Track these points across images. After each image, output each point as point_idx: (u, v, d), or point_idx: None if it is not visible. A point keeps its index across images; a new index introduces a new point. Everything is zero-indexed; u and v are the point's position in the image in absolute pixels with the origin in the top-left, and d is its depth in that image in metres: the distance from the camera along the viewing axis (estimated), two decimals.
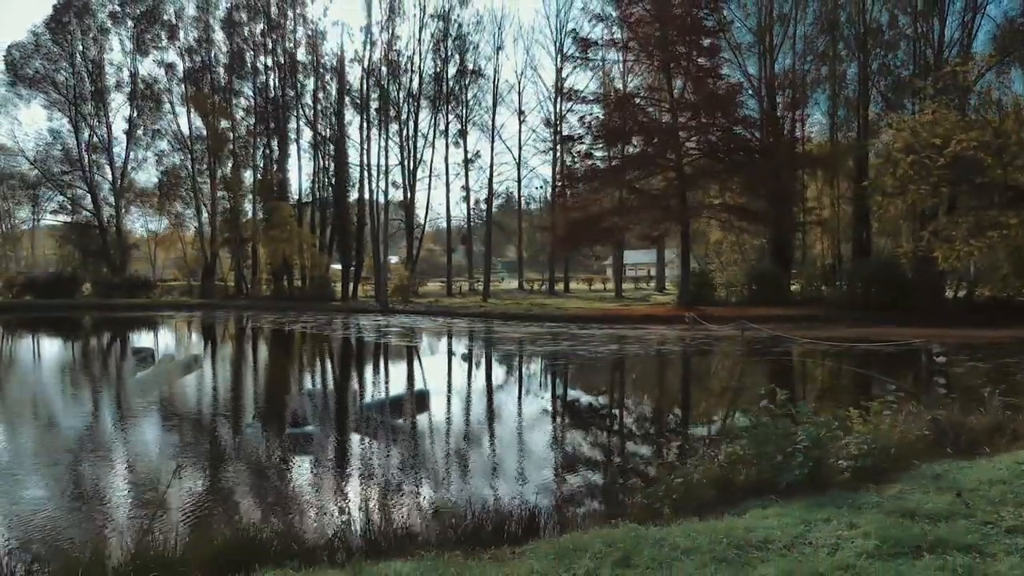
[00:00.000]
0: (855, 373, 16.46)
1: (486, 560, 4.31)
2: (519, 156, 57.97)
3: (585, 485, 7.37)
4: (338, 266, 56.35)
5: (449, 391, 15.64)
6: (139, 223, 62.49)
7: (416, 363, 20.76)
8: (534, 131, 74.05)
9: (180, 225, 58.81)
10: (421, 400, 12.83)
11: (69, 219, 55.83)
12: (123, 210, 56.51)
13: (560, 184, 39.17)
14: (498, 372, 19.42)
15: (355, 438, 10.44)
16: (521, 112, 57.75)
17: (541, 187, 68.70)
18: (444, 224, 66.35)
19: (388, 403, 11.90)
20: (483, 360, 21.23)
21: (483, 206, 63.35)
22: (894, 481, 5.69)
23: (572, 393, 16.21)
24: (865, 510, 4.95)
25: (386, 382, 16.77)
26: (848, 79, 38.56)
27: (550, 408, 14.13)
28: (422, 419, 11.74)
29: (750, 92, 38.06)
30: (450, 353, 23.68)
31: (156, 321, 37.90)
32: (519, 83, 71.38)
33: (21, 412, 12.77)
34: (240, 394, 15.19)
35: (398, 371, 18.96)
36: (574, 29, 42.74)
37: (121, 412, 12.49)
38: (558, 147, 53.81)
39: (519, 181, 61.43)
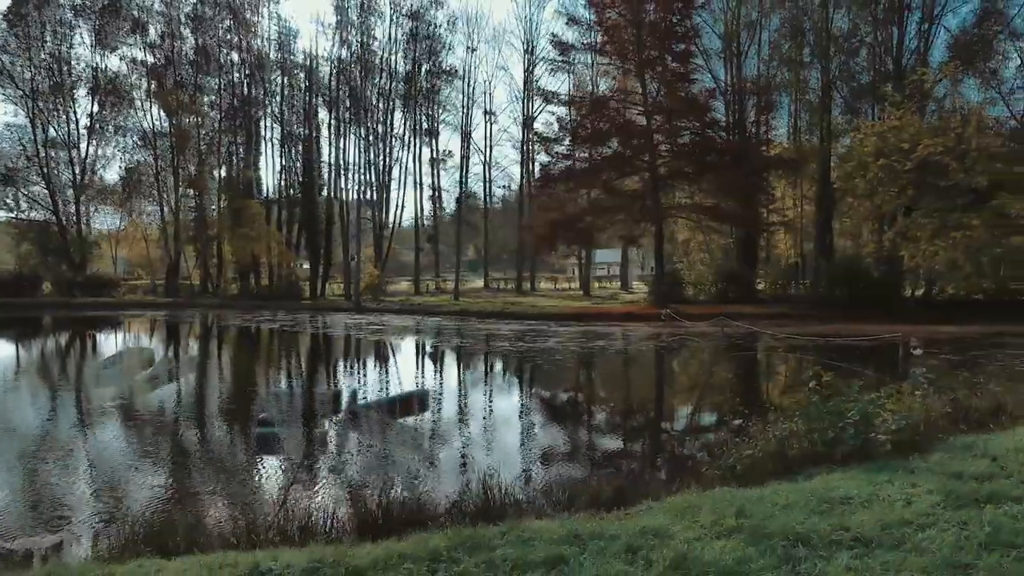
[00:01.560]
0: (841, 365, 17.49)
1: (611, 518, 4.91)
2: (488, 156, 58.67)
3: (649, 462, 8.00)
4: (306, 264, 56.21)
5: (498, 386, 16.62)
6: (101, 221, 61.22)
7: (440, 362, 20.90)
8: (505, 131, 74.68)
9: (144, 223, 57.79)
10: (492, 395, 13.71)
11: (24, 216, 54.40)
12: (84, 208, 55.40)
13: (537, 183, 39.80)
14: (525, 368, 19.58)
15: (465, 433, 11.01)
16: (492, 113, 58.52)
17: (506, 186, 69.22)
18: (410, 223, 66.86)
19: (465, 397, 12.53)
20: (504, 357, 21.40)
21: (453, 205, 64.01)
22: (931, 451, 6.43)
23: (604, 385, 17.34)
24: (918, 473, 5.67)
25: (439, 381, 17.05)
26: (812, 84, 40.15)
27: (589, 398, 15.30)
28: (507, 412, 12.82)
29: (719, 96, 39.36)
30: (459, 351, 23.68)
31: (124, 321, 37.45)
32: (489, 84, 71.64)
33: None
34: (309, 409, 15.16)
35: (432, 370, 19.18)
36: (553, 33, 43.52)
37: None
38: (528, 147, 54.83)
39: (486, 181, 62.13)
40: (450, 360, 20.98)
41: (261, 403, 10.78)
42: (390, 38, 55.42)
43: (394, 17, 54.98)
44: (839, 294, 31.55)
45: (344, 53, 54.26)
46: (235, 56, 55.14)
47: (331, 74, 54.81)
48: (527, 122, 54.64)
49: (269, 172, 57.47)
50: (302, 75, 55.11)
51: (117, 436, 10.43)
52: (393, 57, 55.89)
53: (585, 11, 43.92)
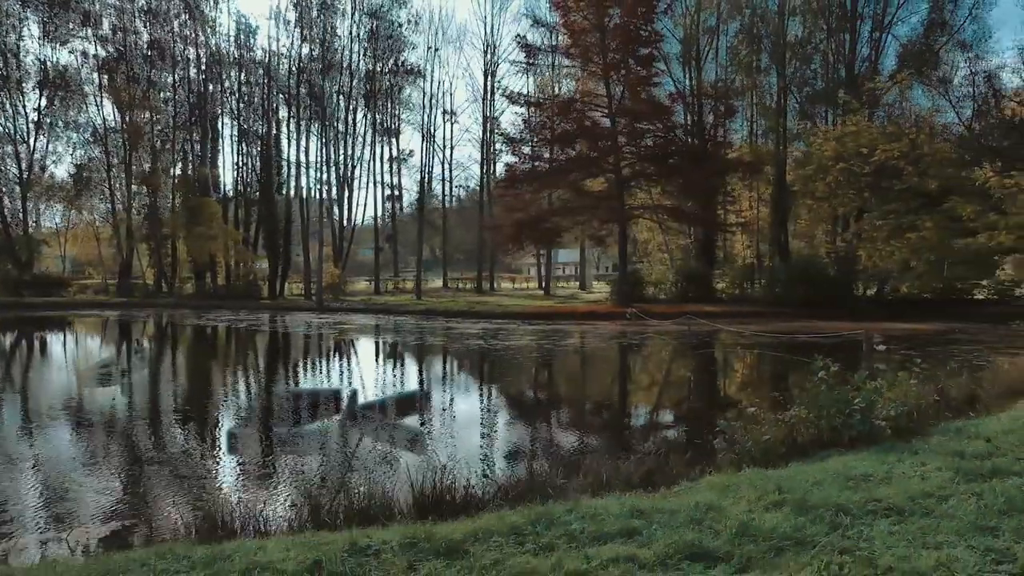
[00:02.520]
0: (807, 360, 18.26)
1: (659, 496, 5.29)
2: (449, 156, 58.84)
3: (665, 448, 8.38)
4: (264, 264, 55.49)
5: (499, 383, 17.02)
6: (50, 219, 59.53)
7: (440, 361, 20.84)
8: (467, 131, 74.98)
9: (96, 221, 56.32)
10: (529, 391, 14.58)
11: None
12: (32, 205, 53.81)
13: (502, 183, 40.17)
14: (516, 366, 19.65)
15: (485, 427, 11.39)
16: (452, 112, 58.68)
17: (464, 186, 69.60)
18: (369, 222, 66.55)
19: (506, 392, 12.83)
20: (490, 356, 21.46)
21: (413, 204, 64.03)
22: (928, 434, 7.00)
23: (599, 380, 17.94)
24: (922, 454, 6.19)
25: (443, 380, 17.27)
26: (768, 89, 41.42)
27: (588, 392, 15.96)
28: (516, 406, 13.40)
29: (679, 100, 40.28)
30: (446, 351, 23.41)
31: (83, 321, 36.60)
32: (451, 84, 71.76)
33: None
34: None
35: (432, 369, 19.19)
36: (519, 35, 43.94)
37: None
38: (488, 147, 55.19)
39: (445, 180, 62.31)
40: (448, 360, 20.99)
41: (314, 400, 11.00)
42: (351, 36, 55.22)
43: (355, 15, 54.81)
44: (797, 293, 32.55)
45: (305, 50, 53.83)
46: (191, 51, 54.27)
47: (291, 71, 54.26)
48: (488, 122, 55.03)
49: (226, 170, 56.62)
50: (261, 72, 54.41)
51: (180, 432, 10.46)
52: (355, 56, 55.72)
53: (548, 14, 44.67)
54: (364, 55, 56.00)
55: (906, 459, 6.01)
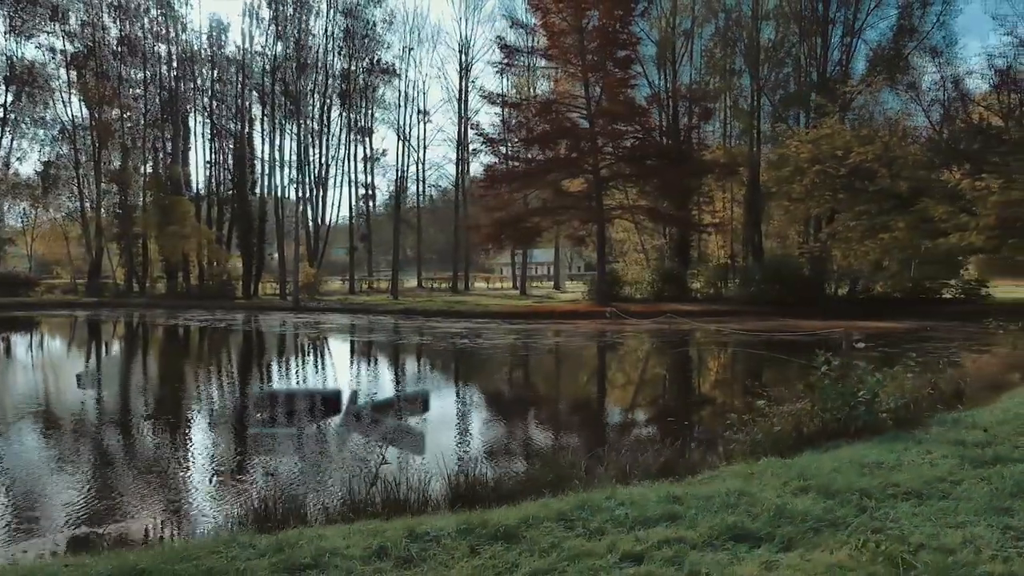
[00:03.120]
0: (789, 359, 18.73)
1: (686, 484, 5.53)
2: (423, 155, 58.84)
3: (674, 439, 8.65)
4: (238, 263, 54.95)
5: (503, 380, 17.30)
6: (16, 217, 58.37)
7: (434, 362, 20.72)
8: (441, 131, 74.93)
9: (64, 220, 55.32)
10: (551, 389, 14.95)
11: None
12: None
13: (481, 183, 40.34)
14: (512, 364, 19.95)
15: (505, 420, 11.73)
16: (425, 112, 58.62)
17: (438, 186, 69.55)
18: (343, 221, 66.31)
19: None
20: (485, 355, 21.58)
21: (387, 203, 63.88)
22: (926, 425, 7.35)
23: (594, 377, 18.25)
24: (926, 443, 6.52)
25: (446, 379, 17.39)
26: (742, 92, 42.13)
27: (589, 389, 16.48)
28: (528, 401, 13.78)
29: (654, 101, 40.77)
30: (436, 351, 23.13)
31: (59, 322, 36.03)
32: (424, 84, 71.76)
33: None
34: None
35: (433, 369, 19.31)
36: (499, 36, 44.10)
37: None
38: (463, 147, 55.33)
39: (419, 181, 62.25)
40: (441, 360, 21.01)
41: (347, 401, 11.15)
42: (326, 34, 54.92)
43: (330, 14, 54.53)
44: (771, 292, 33.11)
45: (279, 48, 53.42)
46: (162, 48, 53.59)
47: (265, 69, 53.82)
48: (463, 122, 55.19)
49: (199, 168, 55.93)
50: (234, 69, 53.88)
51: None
52: (330, 54, 55.43)
53: (524, 15, 44.95)
54: (339, 54, 55.79)
55: (912, 448, 6.33)
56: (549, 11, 36.02)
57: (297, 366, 19.74)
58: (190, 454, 9.16)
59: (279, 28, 52.85)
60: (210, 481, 7.75)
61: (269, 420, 9.96)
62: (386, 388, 14.77)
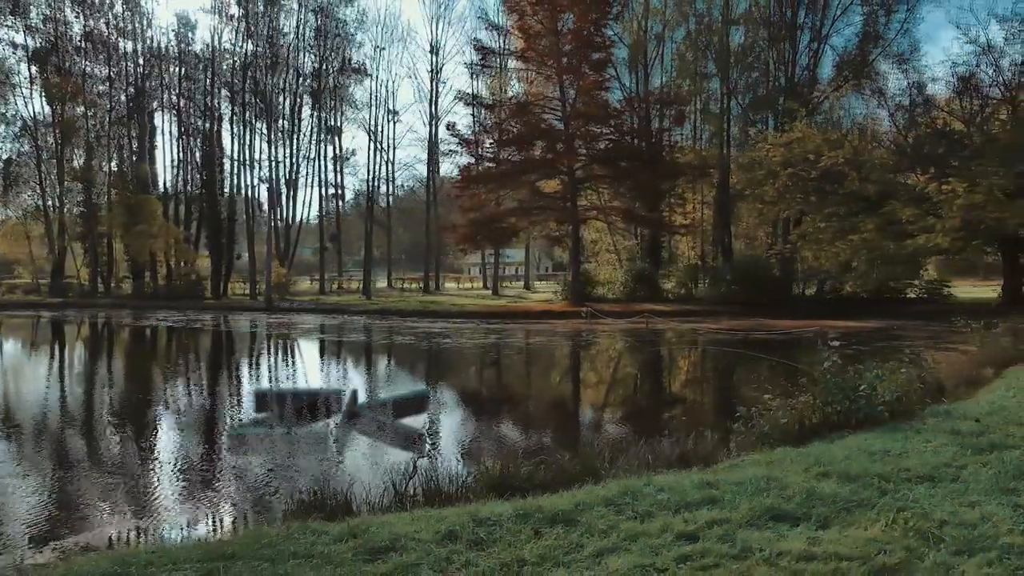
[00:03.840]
0: (764, 357, 19.31)
1: (712, 472, 5.88)
2: (392, 155, 58.84)
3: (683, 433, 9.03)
4: (206, 263, 54.30)
5: (511, 378, 17.40)
6: None
7: (427, 362, 20.83)
8: (412, 131, 74.71)
9: (25, 218, 54.07)
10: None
11: None
12: None
13: (457, 184, 40.54)
14: (512, 363, 20.35)
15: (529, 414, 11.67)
16: (395, 112, 58.51)
17: (404, 185, 69.60)
18: (312, 221, 65.83)
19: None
20: (480, 354, 21.83)
21: (354, 203, 63.65)
22: (920, 417, 7.82)
23: (595, 374, 18.71)
24: (924, 433, 6.96)
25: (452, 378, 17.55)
26: (712, 95, 42.97)
27: (596, 385, 16.85)
28: (542, 397, 13.28)
29: (626, 104, 41.41)
30: (428, 352, 22.94)
31: (28, 324, 35.33)
32: (395, 84, 71.68)
33: None
34: None
35: (437, 370, 19.29)
36: (476, 38, 44.40)
37: None
38: (434, 147, 55.45)
39: (389, 181, 62.14)
40: (434, 359, 21.12)
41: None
42: (297, 33, 54.55)
43: (301, 12, 54.17)
44: (743, 292, 33.84)
45: (249, 46, 52.91)
46: (128, 44, 52.74)
47: (235, 67, 53.27)
48: (434, 122, 55.31)
49: (165, 166, 54.99)
50: (203, 67, 53.24)
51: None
52: (300, 53, 55.06)
53: (497, 16, 45.28)
54: (310, 52, 55.45)
55: (912, 437, 6.77)
56: (525, 13, 36.37)
57: (298, 368, 19.61)
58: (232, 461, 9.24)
59: (249, 26, 52.39)
60: (254, 479, 7.90)
61: (302, 419, 10.03)
62: (401, 386, 14.98)
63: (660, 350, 22.55)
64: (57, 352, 24.33)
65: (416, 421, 10.34)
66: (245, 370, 19.41)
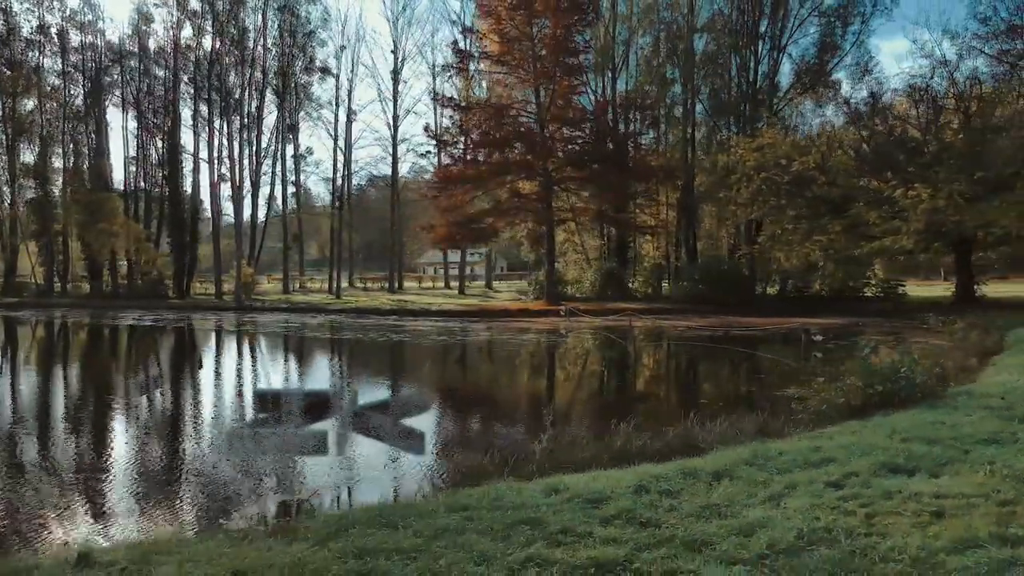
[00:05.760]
0: (761, 349, 20.59)
1: (807, 437, 6.86)
2: (350, 156, 58.90)
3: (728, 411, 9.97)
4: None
5: (528, 374, 18.41)
6: None
7: (443, 360, 21.07)
8: (375, 131, 74.59)
9: None
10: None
11: None
12: None
13: (434, 184, 41.11)
14: (525, 361, 20.56)
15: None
16: (353, 112, 58.51)
17: (360, 186, 69.71)
18: (274, 220, 65.23)
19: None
20: (478, 353, 22.55)
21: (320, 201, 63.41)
22: (946, 397, 8.97)
23: (614, 369, 19.05)
24: (961, 409, 8.05)
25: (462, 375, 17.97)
26: (677, 99, 44.50)
27: (624, 377, 17.84)
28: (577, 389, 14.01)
29: (600, 109, 42.61)
30: (433, 350, 23.53)
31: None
32: (352, 83, 71.39)
33: None
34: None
35: (451, 368, 19.69)
36: (455, 40, 45.00)
37: None
38: (396, 147, 55.83)
39: (347, 179, 62.08)
40: (443, 357, 21.49)
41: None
42: (260, 30, 54.08)
43: (265, 11, 53.73)
44: (712, 291, 35.17)
45: (211, 43, 52.28)
46: (83, 38, 51.62)
47: (197, 63, 52.54)
48: (396, 122, 55.65)
49: (124, 163, 53.62)
50: (163, 62, 52.43)
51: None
52: (263, 51, 54.60)
53: (467, 19, 45.97)
54: (274, 49, 55.04)
55: (952, 412, 7.86)
56: (500, 17, 37.14)
57: (384, 370, 19.22)
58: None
59: (213, 23, 51.77)
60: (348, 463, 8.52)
61: (369, 417, 10.52)
62: (455, 383, 15.83)
63: (669, 346, 23.10)
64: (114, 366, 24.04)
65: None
66: (335, 375, 18.15)
